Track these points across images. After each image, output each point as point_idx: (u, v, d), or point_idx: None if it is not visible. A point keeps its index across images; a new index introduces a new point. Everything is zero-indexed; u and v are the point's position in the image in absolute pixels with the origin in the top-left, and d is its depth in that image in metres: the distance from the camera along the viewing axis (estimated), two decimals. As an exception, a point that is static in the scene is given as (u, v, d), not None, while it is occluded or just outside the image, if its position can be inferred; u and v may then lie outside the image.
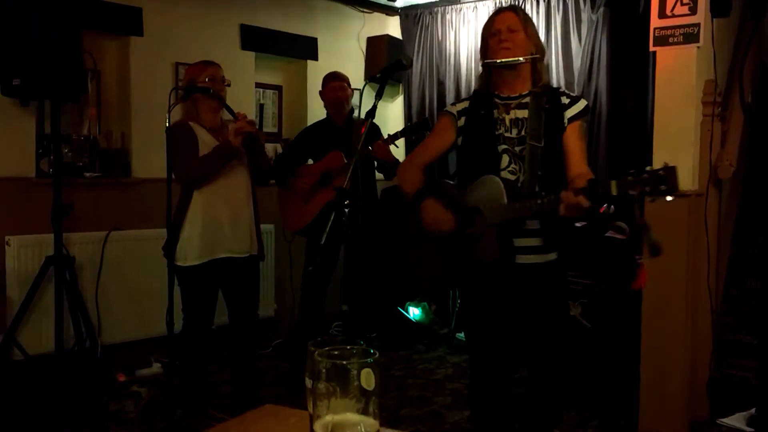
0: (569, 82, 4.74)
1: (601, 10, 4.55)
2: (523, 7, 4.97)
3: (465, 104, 2.57)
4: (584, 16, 4.67)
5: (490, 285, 2.48)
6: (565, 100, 2.42)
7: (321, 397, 0.92)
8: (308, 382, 0.99)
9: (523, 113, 2.42)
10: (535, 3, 4.92)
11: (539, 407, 2.55)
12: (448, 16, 5.45)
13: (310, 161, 4.23)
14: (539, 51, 2.43)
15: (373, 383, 0.91)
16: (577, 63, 4.72)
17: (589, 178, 2.17)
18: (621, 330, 3.83)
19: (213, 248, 3.11)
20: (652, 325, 3.40)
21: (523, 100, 2.44)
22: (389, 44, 5.59)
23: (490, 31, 2.45)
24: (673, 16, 3.28)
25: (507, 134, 2.43)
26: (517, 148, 2.40)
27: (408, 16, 5.70)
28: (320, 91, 4.29)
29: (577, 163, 2.37)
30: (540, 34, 4.80)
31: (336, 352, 0.95)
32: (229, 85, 3.24)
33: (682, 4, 3.26)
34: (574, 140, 2.39)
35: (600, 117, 4.59)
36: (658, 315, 3.38)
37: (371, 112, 2.51)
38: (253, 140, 3.14)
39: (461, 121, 2.54)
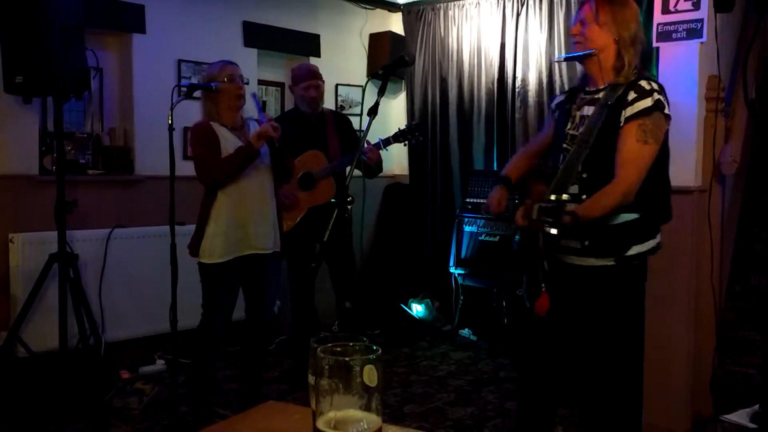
0: (572, 78, 4.73)
1: (604, 5, 4.53)
2: (525, 2, 4.96)
3: (562, 98, 2.58)
4: (587, 12, 4.65)
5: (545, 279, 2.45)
6: (631, 96, 2.24)
7: (324, 394, 0.92)
8: (311, 379, 0.99)
9: (590, 110, 2.34)
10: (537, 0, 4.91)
11: (589, 417, 2.52)
12: (450, 13, 5.43)
13: None
14: (621, 39, 2.29)
15: (375, 380, 0.91)
16: (580, 59, 4.70)
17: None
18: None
19: (238, 246, 3.17)
20: (655, 321, 3.40)
21: (597, 95, 2.35)
22: (391, 41, 5.59)
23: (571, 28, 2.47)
24: (677, 11, 3.27)
25: (572, 132, 2.38)
26: (574, 148, 2.33)
27: (410, 12, 5.69)
28: (290, 86, 4.08)
29: (617, 168, 2.21)
30: (542, 30, 4.86)
31: (339, 349, 0.95)
32: (247, 83, 3.28)
33: (686, 0, 3.25)
34: (624, 142, 2.23)
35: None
36: (661, 311, 3.37)
37: (374, 109, 2.51)
38: (276, 143, 3.19)
39: (556, 115, 2.56)
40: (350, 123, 4.17)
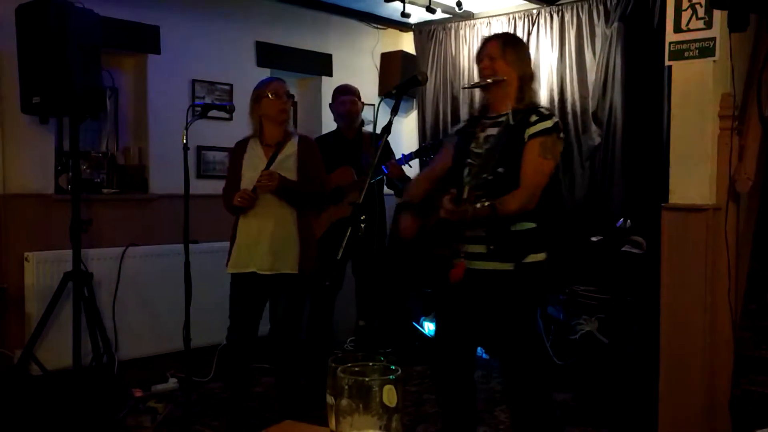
0: (583, 96, 4.74)
1: (616, 24, 4.54)
2: (536, 21, 4.99)
3: (463, 124, 2.89)
4: (598, 31, 4.67)
5: (446, 285, 2.69)
6: (533, 118, 2.55)
7: (343, 414, 0.92)
8: (330, 399, 0.99)
9: (494, 130, 2.63)
10: (548, 17, 4.93)
11: (515, 415, 2.70)
12: (461, 32, 5.46)
13: None
14: (523, 75, 2.64)
15: (395, 400, 0.91)
16: (591, 77, 4.71)
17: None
18: (638, 345, 3.79)
19: (244, 262, 3.27)
20: (670, 340, 3.37)
21: (500, 119, 2.63)
22: (403, 60, 5.62)
23: (477, 59, 2.76)
24: (689, 30, 3.28)
25: (476, 149, 2.66)
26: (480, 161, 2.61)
27: (422, 31, 5.73)
28: (330, 104, 4.33)
29: (522, 177, 2.52)
30: (553, 49, 4.89)
31: (357, 369, 0.95)
32: (292, 97, 3.42)
33: (698, 18, 3.25)
34: (528, 155, 2.52)
35: (615, 131, 4.58)
36: (676, 330, 3.35)
37: (387, 128, 2.53)
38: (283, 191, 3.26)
39: (455, 139, 2.84)
40: (388, 145, 4.28)
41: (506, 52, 2.64)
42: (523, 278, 2.55)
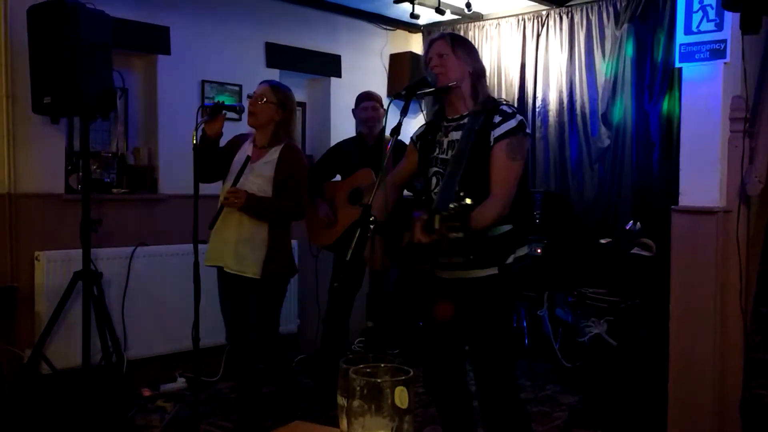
0: (593, 99, 4.72)
1: (626, 26, 4.53)
2: (545, 23, 4.98)
3: (422, 129, 2.76)
4: (608, 33, 4.65)
5: (424, 295, 2.67)
6: (497, 119, 2.46)
7: (355, 415, 0.92)
8: (341, 400, 0.99)
9: (458, 135, 2.53)
10: (558, 19, 4.92)
11: (486, 419, 2.62)
12: (470, 33, 5.46)
13: (338, 177, 4.26)
14: (475, 71, 2.56)
15: (407, 401, 0.91)
16: (601, 79, 4.70)
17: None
18: (647, 348, 3.78)
19: (214, 255, 3.25)
20: (680, 343, 3.36)
21: (462, 121, 2.55)
22: (412, 61, 5.61)
23: (424, 62, 2.62)
24: (699, 32, 3.27)
25: (441, 156, 2.57)
26: (448, 170, 2.50)
27: (431, 33, 5.72)
28: (353, 110, 4.34)
29: (493, 184, 2.43)
30: (563, 50, 4.88)
31: (369, 370, 0.95)
32: (281, 102, 3.21)
33: (708, 20, 3.24)
34: (496, 160, 2.44)
35: (625, 133, 4.56)
36: (686, 333, 3.34)
37: (396, 130, 2.52)
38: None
39: (418, 146, 2.73)
40: (403, 145, 4.28)
41: (455, 48, 2.55)
42: (506, 279, 2.49)
